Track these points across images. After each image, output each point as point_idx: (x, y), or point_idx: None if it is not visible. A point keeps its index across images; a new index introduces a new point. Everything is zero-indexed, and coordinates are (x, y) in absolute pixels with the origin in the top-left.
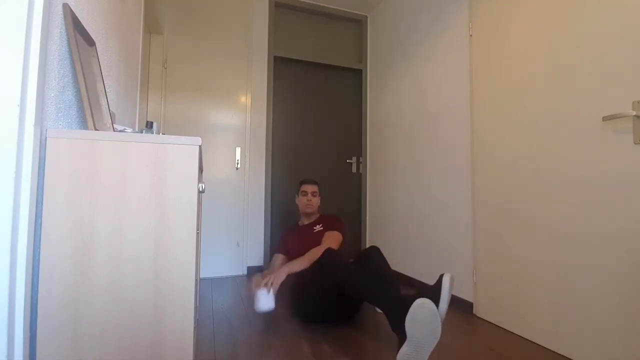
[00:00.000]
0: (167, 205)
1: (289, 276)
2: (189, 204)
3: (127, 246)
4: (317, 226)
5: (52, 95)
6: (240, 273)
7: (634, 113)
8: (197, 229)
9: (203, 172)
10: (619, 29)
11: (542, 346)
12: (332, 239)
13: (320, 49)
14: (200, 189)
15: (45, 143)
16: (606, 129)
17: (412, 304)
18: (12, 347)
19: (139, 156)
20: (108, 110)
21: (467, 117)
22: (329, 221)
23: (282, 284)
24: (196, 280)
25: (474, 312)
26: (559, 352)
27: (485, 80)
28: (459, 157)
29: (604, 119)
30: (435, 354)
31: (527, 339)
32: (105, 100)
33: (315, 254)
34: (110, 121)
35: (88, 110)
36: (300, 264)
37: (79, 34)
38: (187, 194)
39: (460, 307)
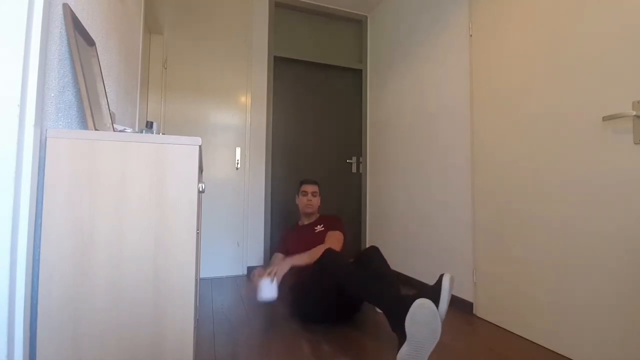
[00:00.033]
0: (167, 205)
1: (289, 275)
2: (189, 204)
3: (127, 246)
4: (319, 226)
5: (52, 95)
6: (240, 273)
7: (634, 113)
8: (197, 229)
9: (203, 172)
10: (619, 29)
11: (542, 346)
12: (335, 239)
13: (320, 49)
14: (200, 189)
15: (45, 143)
16: (606, 129)
17: (412, 304)
18: (12, 347)
19: (139, 156)
20: (108, 110)
21: (467, 117)
22: (329, 221)
23: (283, 280)
24: (196, 280)
25: (474, 312)
26: (559, 352)
27: (485, 80)
28: (459, 157)
29: (604, 119)
30: (435, 354)
31: (527, 339)
32: (105, 100)
33: (319, 251)
34: (110, 121)
35: (88, 110)
36: (304, 259)
37: (79, 34)
38: (187, 194)
39: (460, 307)
